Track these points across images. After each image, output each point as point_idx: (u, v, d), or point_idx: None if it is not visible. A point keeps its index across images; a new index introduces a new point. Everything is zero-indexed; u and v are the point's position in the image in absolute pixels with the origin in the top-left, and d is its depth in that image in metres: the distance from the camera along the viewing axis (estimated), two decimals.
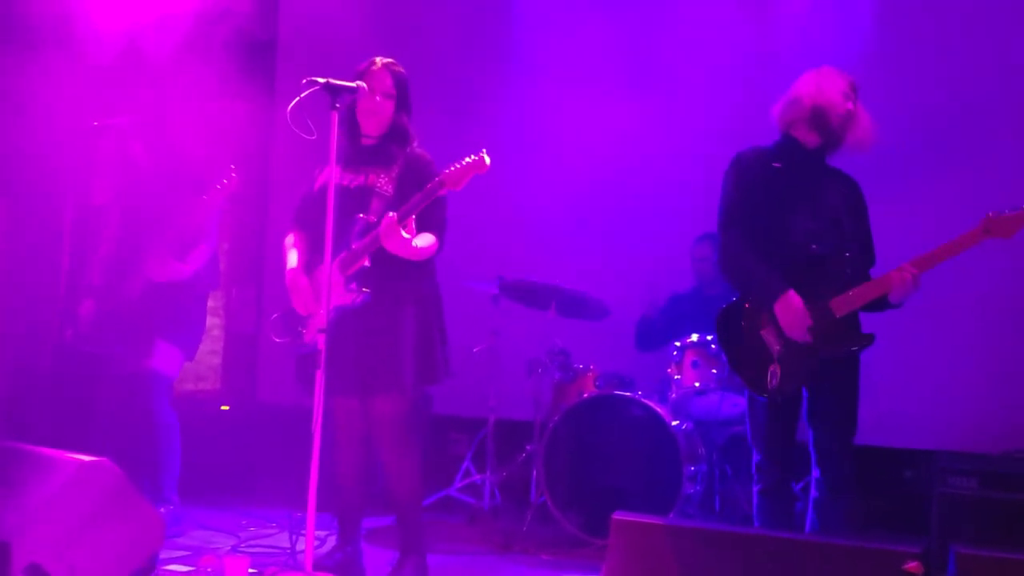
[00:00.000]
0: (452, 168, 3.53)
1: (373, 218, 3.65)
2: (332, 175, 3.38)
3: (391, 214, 3.54)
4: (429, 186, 3.56)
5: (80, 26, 5.00)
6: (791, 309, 3.32)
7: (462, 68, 6.19)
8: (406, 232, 3.53)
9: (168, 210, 4.50)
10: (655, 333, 5.37)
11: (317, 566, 3.73)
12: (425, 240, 3.64)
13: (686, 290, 5.53)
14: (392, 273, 3.66)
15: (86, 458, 3.31)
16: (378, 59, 3.82)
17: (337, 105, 3.41)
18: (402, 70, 3.84)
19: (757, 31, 5.60)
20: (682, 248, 5.55)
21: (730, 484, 4.85)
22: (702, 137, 5.53)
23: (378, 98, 3.74)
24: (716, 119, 5.52)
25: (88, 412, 4.86)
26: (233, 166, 4.43)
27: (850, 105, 3.46)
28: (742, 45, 5.64)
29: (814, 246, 3.40)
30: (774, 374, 3.37)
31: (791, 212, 3.45)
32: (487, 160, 3.48)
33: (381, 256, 3.60)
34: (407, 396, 3.74)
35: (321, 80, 3.38)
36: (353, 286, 3.64)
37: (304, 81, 3.38)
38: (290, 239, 3.91)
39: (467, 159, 3.51)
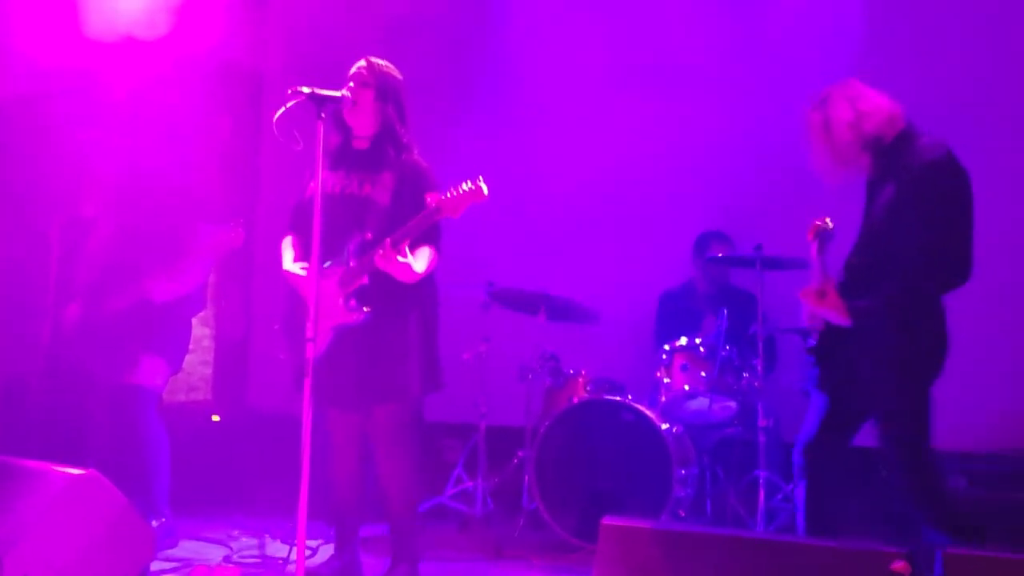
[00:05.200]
0: (449, 195, 3.50)
1: (369, 235, 3.62)
2: (317, 186, 3.32)
3: (386, 241, 3.50)
4: (424, 213, 3.53)
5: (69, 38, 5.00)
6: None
7: (450, 80, 6.18)
8: (402, 257, 3.51)
9: (166, 229, 4.50)
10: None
11: None
12: (423, 257, 3.62)
13: (676, 287, 5.55)
14: (393, 287, 3.62)
15: (76, 471, 3.31)
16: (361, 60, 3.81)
17: (322, 115, 3.39)
18: (383, 65, 3.79)
19: (747, 32, 5.61)
20: (671, 252, 5.57)
21: (721, 487, 4.87)
22: (690, 141, 5.55)
23: (353, 85, 3.66)
24: (703, 122, 5.54)
25: (78, 425, 4.84)
26: (241, 221, 4.46)
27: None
28: (731, 47, 5.65)
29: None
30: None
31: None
32: (485, 190, 3.47)
33: (380, 273, 3.58)
34: (409, 405, 3.76)
35: (306, 90, 3.37)
36: (352, 304, 3.62)
37: (289, 91, 3.37)
38: (288, 240, 3.89)
39: (464, 186, 3.49)
